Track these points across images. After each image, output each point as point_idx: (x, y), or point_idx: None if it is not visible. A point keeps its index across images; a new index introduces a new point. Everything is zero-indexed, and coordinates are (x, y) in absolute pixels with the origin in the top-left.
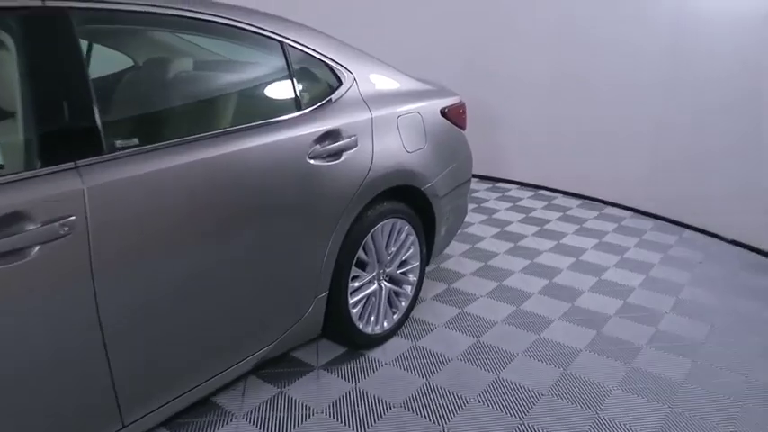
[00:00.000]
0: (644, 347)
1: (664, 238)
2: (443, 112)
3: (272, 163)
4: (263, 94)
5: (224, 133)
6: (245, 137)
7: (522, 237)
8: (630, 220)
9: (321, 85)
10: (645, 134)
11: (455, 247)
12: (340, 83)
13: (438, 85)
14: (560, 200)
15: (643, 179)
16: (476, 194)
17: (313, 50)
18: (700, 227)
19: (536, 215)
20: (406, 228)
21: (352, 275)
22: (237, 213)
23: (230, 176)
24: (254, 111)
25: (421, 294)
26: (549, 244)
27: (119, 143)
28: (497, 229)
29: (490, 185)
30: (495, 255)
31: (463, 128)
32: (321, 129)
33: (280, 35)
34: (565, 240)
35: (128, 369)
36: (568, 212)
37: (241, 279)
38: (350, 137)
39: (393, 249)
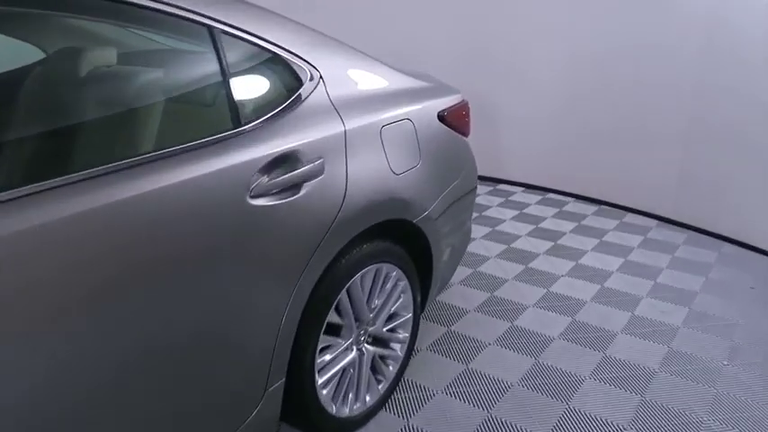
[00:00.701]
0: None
1: (701, 255)
2: (442, 117)
3: (191, 211)
4: (181, 105)
5: (111, 171)
6: (144, 174)
7: (534, 255)
8: (658, 232)
9: (272, 87)
10: (673, 132)
11: (455, 273)
12: (300, 84)
13: (433, 81)
14: (573, 205)
15: (671, 183)
16: (476, 199)
17: (259, 38)
18: (737, 239)
19: (547, 226)
20: (395, 273)
21: (320, 347)
22: (136, 286)
23: (122, 235)
24: (165, 131)
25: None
26: (566, 266)
27: None
28: (503, 246)
29: (491, 187)
30: (503, 282)
31: (466, 134)
32: (269, 153)
33: (206, 16)
34: (584, 260)
35: None
36: (584, 222)
37: (141, 378)
38: (313, 161)
39: (377, 303)
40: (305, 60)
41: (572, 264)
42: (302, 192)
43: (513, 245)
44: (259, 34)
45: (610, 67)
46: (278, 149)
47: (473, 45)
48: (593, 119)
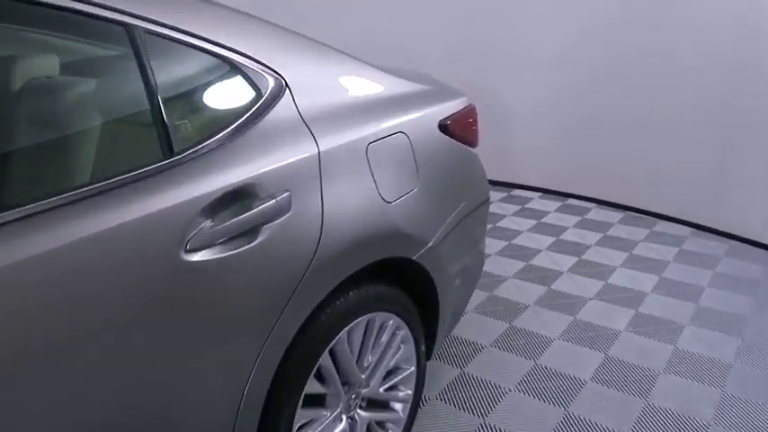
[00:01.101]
0: None
1: (747, 269)
2: (444, 127)
3: (98, 275)
4: (89, 133)
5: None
6: (36, 227)
7: (556, 274)
8: (694, 242)
9: (218, 102)
10: (711, 128)
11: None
12: (258, 96)
13: (432, 82)
14: (596, 212)
15: (709, 188)
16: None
17: (198, 38)
18: None
19: (569, 237)
20: (392, 321)
21: (299, 424)
22: (35, 359)
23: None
24: (67, 168)
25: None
26: (594, 286)
27: None
28: (521, 264)
29: (504, 194)
30: (523, 309)
31: (474, 144)
32: (213, 190)
33: (123, 12)
34: (614, 279)
35: None
36: (610, 232)
37: None
38: (275, 195)
39: (371, 360)
40: (265, 66)
41: (600, 284)
42: (261, 237)
43: (532, 261)
44: (198, 33)
45: (637, 56)
46: (225, 185)
47: (476, 34)
48: (617, 115)
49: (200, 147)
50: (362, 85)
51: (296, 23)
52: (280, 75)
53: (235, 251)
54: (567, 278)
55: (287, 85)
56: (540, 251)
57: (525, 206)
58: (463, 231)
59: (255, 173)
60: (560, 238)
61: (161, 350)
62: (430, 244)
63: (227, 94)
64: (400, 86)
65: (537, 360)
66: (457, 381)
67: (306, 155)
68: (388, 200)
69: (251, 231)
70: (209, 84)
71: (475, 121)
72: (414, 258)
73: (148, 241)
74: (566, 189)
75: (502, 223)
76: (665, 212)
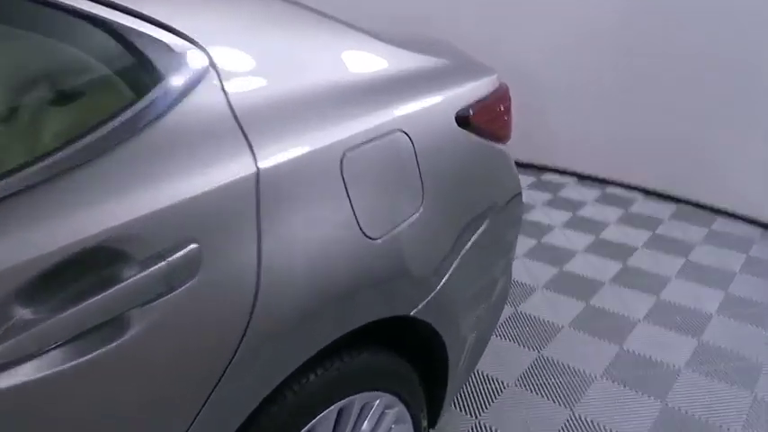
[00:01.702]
0: None
1: None
2: (464, 119)
3: None
4: None
5: None
6: None
7: (597, 285)
8: (766, 247)
9: (82, 92)
10: None
11: None
12: (154, 81)
13: (451, 54)
14: (642, 204)
15: None
16: None
17: None
18: None
19: (611, 236)
20: (380, 401)
21: None
22: None
23: None
24: None
25: None
26: (644, 302)
27: None
28: (553, 270)
29: (534, 178)
30: (556, 331)
31: (503, 139)
32: (47, 251)
33: None
34: (668, 294)
35: None
36: (660, 230)
37: None
38: (165, 255)
39: None
40: (173, 31)
41: (652, 299)
42: (134, 330)
43: (566, 267)
44: None
45: (691, 12)
46: (69, 241)
47: None
48: (668, 84)
49: (30, 170)
50: (343, 61)
51: None
52: (200, 46)
53: (76, 362)
54: (611, 291)
55: (212, 63)
56: (575, 253)
57: (558, 194)
58: (483, 250)
59: (130, 216)
60: (600, 236)
61: None
62: (437, 289)
63: (96, 79)
64: (403, 62)
65: (573, 407)
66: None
67: (233, 177)
68: (372, 236)
69: (114, 324)
70: (65, 62)
71: (508, 110)
72: (412, 314)
73: None
74: (605, 175)
75: (531, 215)
76: (727, 207)
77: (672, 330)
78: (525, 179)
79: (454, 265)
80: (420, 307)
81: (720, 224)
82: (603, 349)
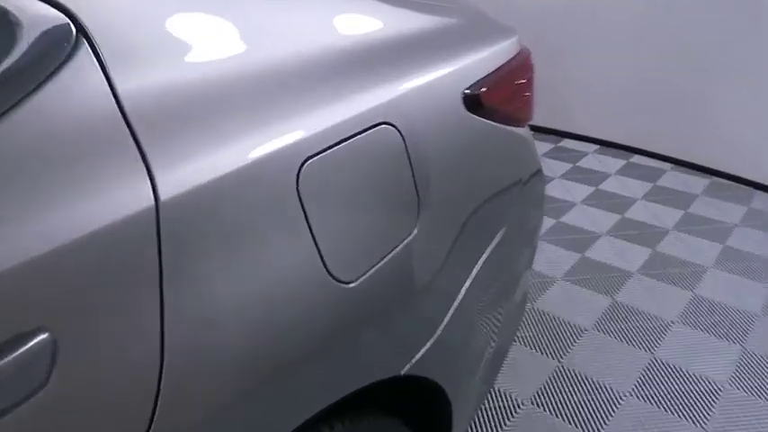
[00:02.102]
0: None
1: None
2: (474, 99)
3: None
4: None
5: None
6: None
7: (624, 275)
8: None
9: None
10: None
11: None
12: None
13: (455, 7)
14: (671, 176)
15: None
16: None
17: None
18: None
19: (638, 215)
20: None
21: None
22: None
23: None
24: None
25: None
26: (679, 298)
27: None
28: (575, 256)
29: (552, 145)
30: (579, 333)
31: (524, 121)
32: None
33: None
34: (704, 288)
35: None
36: (693, 208)
37: None
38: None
39: None
40: None
41: (688, 295)
42: None
43: (588, 253)
44: None
45: None
46: None
47: None
48: (712, 54)
49: None
50: (302, 25)
51: None
52: (66, 10)
53: None
54: (639, 283)
55: (85, 35)
56: (598, 237)
57: (577, 164)
58: (503, 255)
59: None
60: (626, 215)
61: None
62: (441, 328)
63: None
64: (389, 22)
65: (602, 429)
66: None
67: (115, 216)
68: (343, 278)
69: None
70: None
71: (530, 83)
72: (402, 373)
73: None
74: (631, 142)
75: (549, 188)
76: (765, 181)
77: (713, 336)
78: (543, 146)
79: (464, 289)
80: (415, 361)
81: (760, 201)
82: (634, 357)
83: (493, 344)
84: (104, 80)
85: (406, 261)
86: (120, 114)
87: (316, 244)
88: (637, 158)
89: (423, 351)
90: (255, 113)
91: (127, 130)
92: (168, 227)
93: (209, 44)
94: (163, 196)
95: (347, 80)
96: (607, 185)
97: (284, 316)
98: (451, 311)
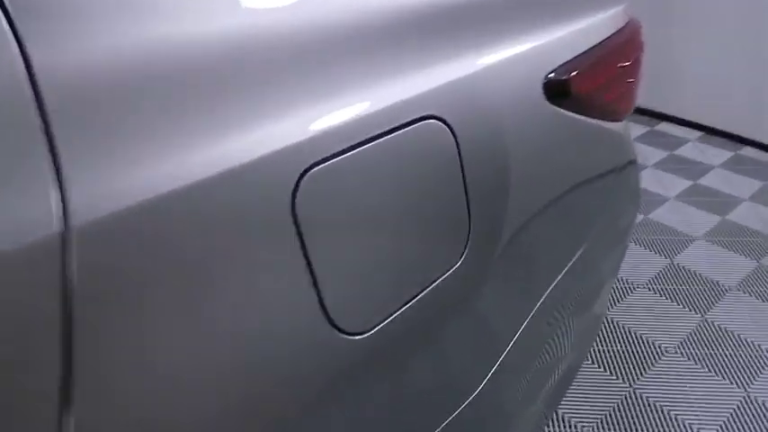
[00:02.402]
0: None
1: None
2: (560, 86)
3: None
4: None
5: None
6: None
7: (722, 291)
8: None
9: None
10: None
11: None
12: None
13: None
14: None
15: None
16: None
17: None
18: None
19: (744, 219)
20: None
21: None
22: None
23: None
24: None
25: None
26: None
27: None
28: (663, 262)
29: (645, 129)
30: (661, 354)
31: (624, 113)
32: None
33: None
34: None
35: None
36: None
37: None
38: None
39: None
40: None
41: None
42: None
43: (678, 259)
44: None
45: None
46: None
47: None
48: None
49: None
50: None
51: None
52: None
53: None
54: (735, 300)
55: None
56: (692, 240)
57: (674, 153)
58: (582, 271)
59: None
60: (727, 217)
61: None
62: (481, 386)
63: None
64: None
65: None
66: None
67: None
68: (349, 329)
69: None
70: None
71: (636, 66)
72: None
73: None
74: (739, 131)
75: (642, 183)
76: None
77: None
78: (634, 129)
79: (521, 329)
80: (450, 420)
81: None
82: (727, 388)
83: (559, 370)
84: (12, 39)
85: (447, 300)
86: (33, 100)
87: (315, 284)
88: (746, 150)
89: (462, 407)
90: (229, 99)
91: (39, 122)
92: (82, 259)
93: (172, 6)
94: (76, 215)
95: (376, 58)
96: (708, 180)
97: (259, 388)
98: (503, 355)
